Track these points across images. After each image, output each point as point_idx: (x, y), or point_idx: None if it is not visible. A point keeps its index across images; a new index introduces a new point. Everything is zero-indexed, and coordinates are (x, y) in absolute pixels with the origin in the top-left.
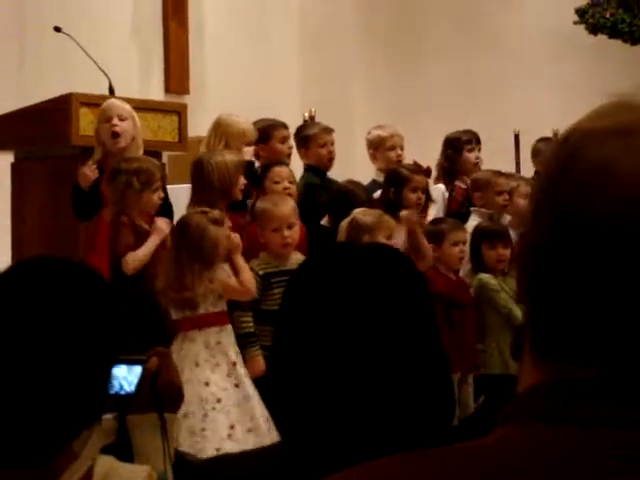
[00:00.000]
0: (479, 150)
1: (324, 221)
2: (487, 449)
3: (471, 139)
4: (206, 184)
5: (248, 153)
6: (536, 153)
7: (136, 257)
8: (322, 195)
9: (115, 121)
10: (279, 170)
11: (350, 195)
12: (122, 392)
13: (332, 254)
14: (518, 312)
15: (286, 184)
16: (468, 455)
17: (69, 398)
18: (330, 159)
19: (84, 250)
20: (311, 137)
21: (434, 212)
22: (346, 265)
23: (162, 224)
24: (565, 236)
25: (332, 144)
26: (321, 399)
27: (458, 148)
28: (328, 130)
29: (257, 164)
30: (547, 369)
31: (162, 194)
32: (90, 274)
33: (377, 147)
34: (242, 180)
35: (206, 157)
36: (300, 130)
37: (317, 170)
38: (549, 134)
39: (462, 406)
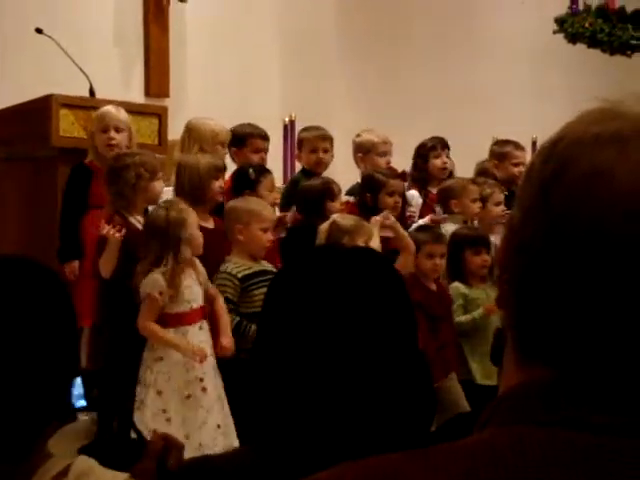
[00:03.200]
0: (447, 155)
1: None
2: (466, 450)
3: (435, 145)
4: (180, 187)
5: (223, 154)
6: (497, 156)
7: (101, 263)
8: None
9: (112, 134)
10: (272, 179)
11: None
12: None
13: (315, 256)
14: (462, 319)
15: (276, 194)
16: (447, 455)
17: (32, 396)
18: (319, 165)
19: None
20: (304, 140)
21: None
22: (330, 267)
23: (112, 233)
24: (558, 241)
25: (325, 151)
26: (303, 400)
27: (424, 155)
28: (322, 137)
29: (251, 170)
30: (530, 371)
31: (163, 184)
32: (45, 272)
33: (367, 152)
34: (218, 183)
35: (182, 159)
36: (300, 131)
37: (309, 173)
38: (527, 142)
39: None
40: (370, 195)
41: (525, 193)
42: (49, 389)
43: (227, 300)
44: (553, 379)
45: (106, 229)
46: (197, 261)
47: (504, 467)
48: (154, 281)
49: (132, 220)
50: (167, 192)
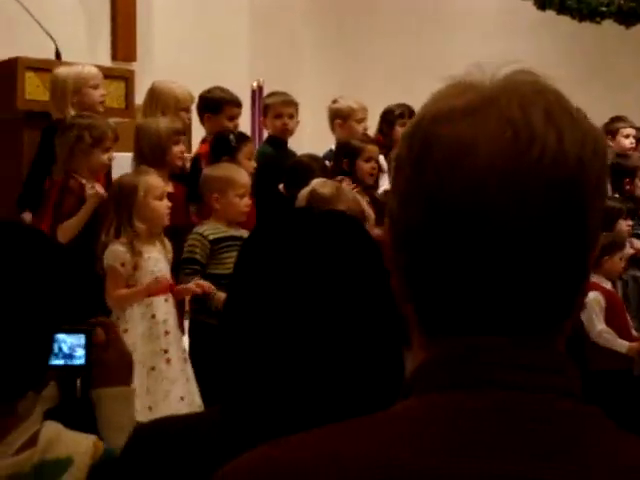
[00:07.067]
0: None
1: (280, 187)
2: (387, 418)
3: (403, 113)
4: (139, 151)
5: (185, 118)
6: None
7: (68, 227)
8: (275, 165)
9: (103, 91)
10: (252, 147)
11: (306, 168)
12: (71, 363)
13: (290, 218)
14: None
15: (254, 163)
16: (369, 425)
17: (10, 358)
18: (284, 130)
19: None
20: (269, 106)
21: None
22: (304, 230)
23: (99, 189)
24: (435, 218)
25: (290, 117)
26: (272, 363)
27: (390, 121)
28: (287, 102)
29: (232, 137)
30: (435, 346)
31: (113, 155)
32: (36, 234)
33: (346, 118)
34: (178, 148)
35: (140, 124)
36: (265, 97)
37: (276, 140)
38: None
39: None
40: (347, 160)
41: (399, 178)
42: (33, 350)
43: (194, 261)
44: (454, 349)
45: (95, 187)
46: (165, 239)
47: (430, 431)
48: (115, 252)
49: (87, 185)
50: (128, 158)
